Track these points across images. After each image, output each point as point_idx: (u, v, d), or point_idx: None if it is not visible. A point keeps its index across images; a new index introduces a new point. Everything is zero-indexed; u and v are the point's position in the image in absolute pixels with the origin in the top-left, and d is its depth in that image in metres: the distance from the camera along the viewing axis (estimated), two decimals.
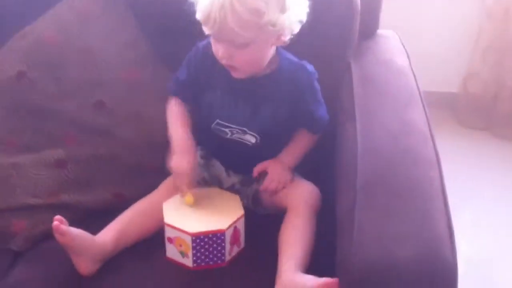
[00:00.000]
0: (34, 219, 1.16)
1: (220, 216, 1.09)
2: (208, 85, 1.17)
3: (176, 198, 1.14)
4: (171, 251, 1.09)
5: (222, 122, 1.17)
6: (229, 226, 1.06)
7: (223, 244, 1.06)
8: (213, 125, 1.18)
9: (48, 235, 1.13)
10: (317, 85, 1.18)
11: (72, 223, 1.12)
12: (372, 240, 0.88)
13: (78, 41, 1.27)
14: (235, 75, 1.11)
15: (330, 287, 0.94)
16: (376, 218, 0.91)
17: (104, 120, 1.25)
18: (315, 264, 1.05)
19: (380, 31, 1.44)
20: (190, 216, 1.09)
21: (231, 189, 1.22)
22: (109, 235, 1.10)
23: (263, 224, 1.17)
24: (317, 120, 1.21)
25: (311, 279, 0.97)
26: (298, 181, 1.19)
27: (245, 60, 1.07)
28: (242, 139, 1.17)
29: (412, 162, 1.00)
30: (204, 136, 1.21)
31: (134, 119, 1.26)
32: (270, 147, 1.19)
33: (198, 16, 1.04)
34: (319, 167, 1.26)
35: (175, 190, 1.14)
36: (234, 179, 1.23)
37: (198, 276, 1.07)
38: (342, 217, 0.98)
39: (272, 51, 1.12)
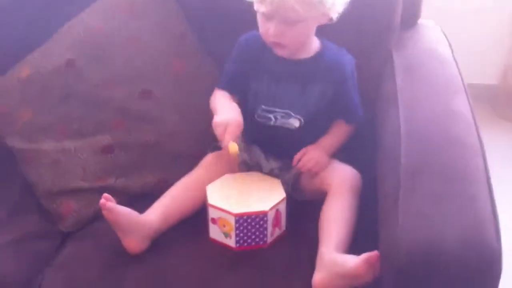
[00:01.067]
0: (82, 202, 1.20)
1: (263, 198, 1.11)
2: (254, 75, 1.21)
3: (219, 181, 1.17)
4: (215, 232, 1.11)
5: (267, 108, 1.20)
6: (271, 208, 1.08)
7: (265, 225, 1.08)
8: (258, 112, 1.21)
9: (96, 217, 1.19)
10: (354, 79, 1.22)
11: (121, 204, 1.17)
12: (417, 224, 0.89)
13: (125, 31, 1.30)
14: (280, 52, 1.14)
15: (372, 262, 0.95)
16: (421, 202, 0.92)
17: (151, 108, 1.27)
18: (354, 249, 1.05)
19: (421, 21, 1.44)
20: (233, 198, 1.11)
21: (270, 174, 1.24)
22: (155, 213, 1.12)
23: (303, 209, 1.18)
24: (354, 108, 1.24)
25: (351, 258, 0.99)
26: (337, 165, 1.20)
27: (294, 36, 1.10)
28: (286, 123, 1.20)
29: (457, 148, 1.01)
30: (247, 125, 1.21)
31: (180, 109, 1.29)
32: (312, 132, 1.22)
33: None
34: (357, 156, 1.26)
35: (216, 163, 1.19)
36: (273, 164, 1.25)
37: (240, 256, 1.09)
38: (386, 201, 0.99)
39: (313, 32, 1.16)
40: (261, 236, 1.09)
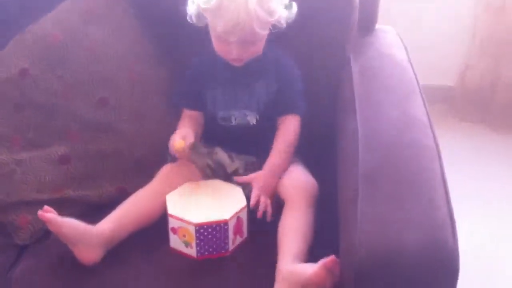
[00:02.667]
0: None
1: (223, 207, 1.10)
2: (209, 86, 1.27)
3: (179, 190, 1.16)
4: (175, 242, 1.10)
5: (226, 112, 1.26)
6: (232, 216, 1.08)
7: (226, 234, 1.08)
8: (218, 117, 1.26)
9: None
10: (296, 70, 1.27)
11: (77, 217, 1.14)
12: (375, 228, 0.89)
13: (81, 39, 1.28)
14: (238, 64, 1.21)
15: (330, 266, 0.95)
16: (379, 207, 0.93)
17: (107, 116, 1.26)
18: (314, 258, 1.05)
19: (378, 26, 1.46)
20: (193, 207, 1.11)
21: (235, 174, 1.25)
22: (106, 221, 1.12)
23: (265, 213, 1.17)
24: (296, 100, 1.27)
25: (309, 265, 0.99)
26: (295, 174, 1.21)
27: (253, 53, 1.19)
28: (244, 121, 1.25)
29: (414, 152, 1.02)
30: (209, 129, 1.28)
31: (136, 116, 1.28)
32: (268, 125, 1.26)
33: (221, 28, 1.13)
34: (319, 162, 1.28)
35: (174, 173, 1.20)
36: (237, 163, 1.26)
37: (201, 266, 1.08)
38: (345, 206, 1.00)
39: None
40: (222, 244, 1.08)
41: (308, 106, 1.27)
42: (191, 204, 1.11)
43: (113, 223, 1.12)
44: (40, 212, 1.06)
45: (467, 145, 2.16)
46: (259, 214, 1.14)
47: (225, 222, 1.07)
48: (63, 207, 1.18)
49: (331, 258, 0.96)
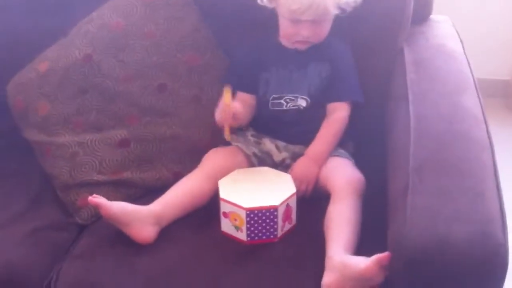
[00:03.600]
0: (99, 195, 1.21)
1: (273, 193, 1.13)
2: (261, 69, 1.30)
3: (230, 176, 1.19)
4: (226, 226, 1.14)
5: (278, 95, 1.28)
6: (282, 203, 1.10)
7: (275, 220, 1.10)
8: (270, 101, 1.28)
9: None
10: (350, 56, 1.29)
11: (133, 199, 1.20)
12: (425, 220, 0.90)
13: (142, 26, 1.33)
14: (303, 46, 1.25)
15: (383, 263, 0.95)
16: (429, 199, 0.93)
17: (165, 102, 1.30)
18: (360, 251, 1.06)
19: (433, 16, 1.45)
20: (245, 192, 1.14)
21: (282, 164, 1.27)
22: (156, 202, 1.16)
23: (314, 202, 1.20)
24: (350, 87, 1.28)
25: (362, 259, 0.99)
26: (342, 166, 1.22)
27: (323, 33, 1.23)
28: (295, 105, 1.27)
29: (465, 145, 1.02)
30: (259, 116, 1.30)
31: (194, 102, 1.31)
32: (318, 109, 1.27)
33: (296, 6, 1.16)
34: (368, 152, 1.28)
35: (218, 160, 1.23)
36: (284, 154, 1.28)
37: (250, 251, 1.11)
38: (395, 198, 1.00)
39: None
40: (272, 230, 1.11)
41: (360, 96, 1.27)
42: (242, 190, 1.15)
43: (162, 202, 1.16)
44: (90, 198, 1.11)
45: None
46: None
47: (275, 208, 1.09)
48: (122, 189, 1.25)
49: (385, 254, 0.95)
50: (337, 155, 1.25)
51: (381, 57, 1.31)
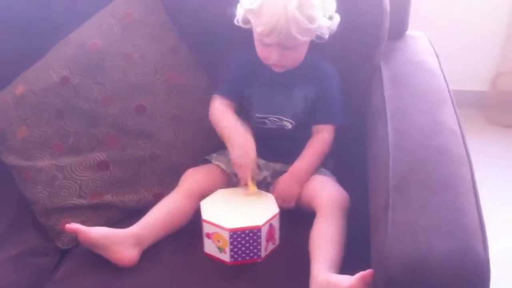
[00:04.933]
0: (79, 219, 1.21)
1: (256, 213, 1.13)
2: (246, 84, 1.29)
3: (213, 196, 1.19)
4: (209, 247, 1.13)
5: (261, 115, 1.28)
6: (265, 223, 1.10)
7: (259, 240, 1.10)
8: (253, 119, 1.28)
9: None
10: (337, 78, 1.28)
11: (115, 222, 1.21)
12: (405, 237, 0.90)
13: (119, 47, 1.32)
14: (278, 70, 1.24)
15: (367, 280, 0.96)
16: (409, 215, 0.94)
17: (145, 123, 1.29)
18: (346, 268, 1.07)
19: (409, 32, 1.47)
20: (227, 213, 1.13)
21: (263, 182, 1.27)
22: (136, 224, 1.16)
23: (297, 222, 1.20)
24: (335, 110, 1.28)
25: (346, 278, 0.99)
26: (326, 184, 1.22)
27: (294, 59, 1.22)
28: (280, 125, 1.27)
29: (444, 160, 1.03)
30: None
31: (174, 122, 1.31)
32: (303, 131, 1.28)
33: (260, 29, 1.15)
34: (349, 169, 1.29)
35: (198, 179, 1.24)
36: (265, 172, 1.28)
37: (234, 271, 1.11)
38: (376, 215, 1.01)
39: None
40: (255, 251, 1.11)
41: (346, 118, 1.28)
42: (224, 210, 1.14)
43: (141, 224, 1.15)
44: (67, 225, 1.11)
45: (500, 150, 2.14)
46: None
47: (258, 228, 1.09)
48: (102, 212, 1.24)
49: (368, 272, 0.95)
50: (320, 174, 1.25)
51: (359, 73, 1.33)
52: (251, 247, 1.10)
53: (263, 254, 1.12)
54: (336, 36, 1.27)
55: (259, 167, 1.28)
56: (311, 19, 1.14)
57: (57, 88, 1.31)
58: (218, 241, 1.11)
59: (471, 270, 0.87)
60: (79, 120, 1.30)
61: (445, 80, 1.26)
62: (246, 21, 1.21)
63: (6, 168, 1.32)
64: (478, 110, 2.28)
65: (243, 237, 1.09)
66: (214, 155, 1.29)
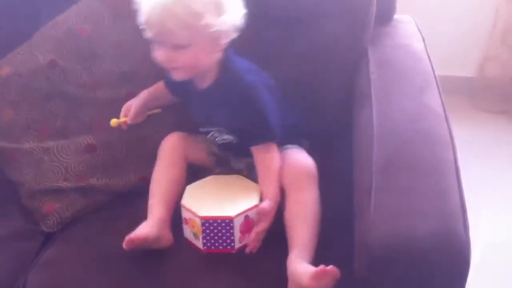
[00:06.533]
0: (64, 202, 1.22)
1: (234, 204, 1.11)
2: (184, 97, 1.26)
3: (199, 182, 1.18)
4: (187, 232, 1.13)
5: (204, 129, 1.24)
6: (238, 214, 1.08)
7: (231, 231, 1.08)
8: (199, 130, 1.25)
9: (77, 218, 1.22)
10: (257, 95, 1.14)
11: (99, 205, 1.22)
12: (388, 219, 0.91)
13: (109, 34, 1.31)
14: (177, 77, 1.14)
15: (320, 276, 0.95)
16: (392, 198, 0.95)
17: None
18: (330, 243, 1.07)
19: (396, 16, 1.47)
20: (207, 200, 1.12)
21: (240, 174, 1.23)
22: (157, 209, 1.15)
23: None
24: (262, 126, 1.16)
25: (308, 272, 0.98)
26: (290, 156, 1.17)
27: (184, 62, 1.10)
28: (224, 139, 1.22)
29: (427, 143, 1.03)
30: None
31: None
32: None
33: (141, 19, 1.09)
34: (335, 153, 1.28)
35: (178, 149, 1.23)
36: (240, 165, 1.24)
37: (209, 259, 1.10)
38: (360, 198, 1.01)
39: (215, 56, 1.13)
40: (228, 241, 1.09)
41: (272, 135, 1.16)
42: (206, 197, 1.13)
43: (157, 205, 1.15)
44: (126, 242, 1.07)
45: (488, 136, 2.15)
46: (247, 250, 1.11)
47: (231, 219, 1.07)
48: (87, 195, 1.24)
49: (320, 268, 0.95)
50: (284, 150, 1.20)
51: (345, 57, 1.32)
52: (224, 237, 1.09)
53: (236, 245, 1.10)
54: (324, 19, 1.28)
55: (232, 160, 1.25)
56: (194, 15, 1.05)
57: (45, 71, 1.30)
58: (193, 227, 1.10)
59: (452, 252, 0.88)
60: (66, 105, 1.30)
61: (431, 64, 1.27)
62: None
63: None
64: (465, 96, 2.28)
65: (216, 226, 1.08)
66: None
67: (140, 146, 1.29)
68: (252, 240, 1.10)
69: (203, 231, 1.08)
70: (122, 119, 1.24)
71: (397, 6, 1.46)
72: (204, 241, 1.09)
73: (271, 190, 1.13)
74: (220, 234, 1.09)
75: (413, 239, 0.88)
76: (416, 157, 1.01)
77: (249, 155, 1.19)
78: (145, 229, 1.09)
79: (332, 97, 1.32)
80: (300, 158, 1.17)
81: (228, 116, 1.17)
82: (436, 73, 1.24)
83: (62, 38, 1.31)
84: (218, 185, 1.18)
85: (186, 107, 1.27)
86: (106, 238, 1.15)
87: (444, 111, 1.12)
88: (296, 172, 1.14)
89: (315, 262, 1.02)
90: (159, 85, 1.29)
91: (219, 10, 1.08)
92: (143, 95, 1.27)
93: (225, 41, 1.12)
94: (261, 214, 1.10)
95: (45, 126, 1.28)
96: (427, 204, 0.92)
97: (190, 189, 1.16)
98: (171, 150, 1.23)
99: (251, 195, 1.14)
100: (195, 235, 1.10)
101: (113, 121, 1.23)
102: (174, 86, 1.27)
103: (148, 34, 1.09)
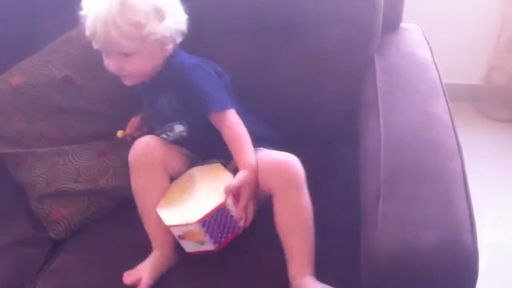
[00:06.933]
0: (74, 208, 1.23)
1: (213, 193, 1.07)
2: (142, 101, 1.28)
3: (165, 197, 1.15)
4: (189, 246, 1.09)
5: (158, 128, 1.23)
6: (225, 199, 1.04)
7: (230, 214, 1.05)
8: (156, 132, 1.24)
9: (85, 225, 1.23)
10: (196, 76, 1.16)
11: (106, 211, 1.24)
12: (395, 228, 0.91)
13: None
14: (127, 83, 1.19)
15: None
16: (399, 206, 0.95)
17: None
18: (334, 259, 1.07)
19: (403, 25, 1.47)
20: (186, 207, 1.10)
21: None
22: (157, 243, 1.14)
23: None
24: (210, 97, 1.15)
25: None
26: (271, 159, 1.10)
27: (134, 68, 1.15)
28: (177, 135, 1.20)
29: (435, 152, 1.03)
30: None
31: None
32: (206, 129, 1.17)
33: (86, 33, 1.12)
34: (341, 161, 1.29)
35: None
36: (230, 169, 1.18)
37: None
38: (367, 207, 1.01)
39: (160, 59, 1.18)
40: (232, 225, 1.06)
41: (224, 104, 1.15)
42: (182, 206, 1.10)
43: (160, 230, 1.13)
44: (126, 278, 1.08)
45: (493, 144, 2.14)
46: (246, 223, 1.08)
47: (222, 206, 1.04)
48: (95, 201, 1.25)
49: None
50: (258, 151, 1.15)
51: (352, 65, 1.32)
52: (227, 224, 1.06)
53: (240, 224, 1.07)
54: (330, 27, 1.28)
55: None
56: (136, 25, 1.09)
57: (61, 85, 1.32)
58: (194, 237, 1.07)
59: (460, 262, 0.87)
60: (80, 117, 1.32)
61: (438, 72, 1.26)
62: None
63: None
64: (471, 104, 2.28)
65: (215, 220, 1.05)
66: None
67: None
68: (241, 216, 1.06)
69: (207, 232, 1.05)
70: (127, 131, 1.27)
71: (403, 15, 1.46)
72: (213, 240, 1.06)
73: (243, 158, 1.09)
74: (222, 224, 1.05)
75: (420, 248, 0.88)
76: (423, 166, 1.01)
77: (216, 156, 1.19)
78: (147, 270, 1.09)
79: (340, 105, 1.33)
80: (283, 160, 1.09)
81: (166, 103, 1.18)
82: (443, 81, 1.25)
83: (77, 54, 1.33)
84: (182, 188, 1.15)
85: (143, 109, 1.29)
86: (114, 245, 1.16)
87: (451, 120, 1.11)
88: (283, 178, 1.07)
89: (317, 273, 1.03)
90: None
91: (160, 17, 1.12)
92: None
93: (170, 45, 1.16)
94: (235, 188, 1.05)
95: (58, 135, 1.31)
96: (435, 213, 0.92)
97: (162, 209, 1.12)
98: (149, 158, 1.17)
99: (220, 175, 1.11)
100: (200, 242, 1.07)
101: (120, 133, 1.26)
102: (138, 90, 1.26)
103: (95, 46, 1.13)
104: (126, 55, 1.12)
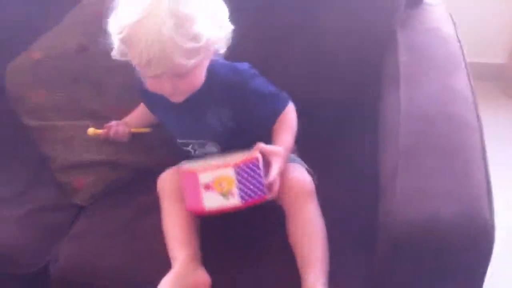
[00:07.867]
0: (95, 177, 1.25)
1: (242, 154, 1.04)
2: (158, 111, 1.20)
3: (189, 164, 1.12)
4: (211, 200, 1.01)
5: (182, 141, 1.17)
6: (258, 154, 1.02)
7: (259, 172, 1.01)
8: (177, 143, 1.19)
9: (107, 192, 1.25)
10: (255, 81, 1.10)
11: (128, 180, 1.26)
12: (413, 201, 0.92)
13: None
14: (176, 99, 1.05)
15: None
16: (417, 179, 0.95)
17: None
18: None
19: (427, 0, 1.45)
20: (214, 163, 1.06)
21: None
22: (180, 252, 1.06)
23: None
24: (271, 101, 1.11)
25: None
26: (286, 175, 1.07)
27: (189, 84, 1.02)
28: (205, 151, 1.16)
29: (455, 127, 1.03)
30: (178, 150, 1.21)
31: None
32: (236, 149, 1.10)
33: (136, 61, 0.97)
34: (361, 132, 1.29)
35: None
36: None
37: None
38: (385, 178, 1.02)
39: (207, 63, 1.05)
40: (258, 185, 1.01)
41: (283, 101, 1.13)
42: (210, 162, 1.07)
43: (178, 248, 1.06)
44: None
45: None
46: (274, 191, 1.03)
47: (257, 158, 1.01)
48: (118, 170, 1.27)
49: None
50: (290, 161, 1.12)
51: (374, 39, 1.32)
52: (255, 182, 1.01)
53: (265, 190, 1.02)
54: (351, 2, 1.28)
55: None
56: (195, 37, 0.94)
57: (74, 54, 1.34)
58: (221, 187, 1.00)
59: (477, 235, 0.88)
60: (94, 87, 1.33)
61: (461, 48, 1.25)
62: (124, 52, 1.00)
63: (24, 129, 1.35)
64: (495, 83, 2.25)
65: (247, 172, 1.00)
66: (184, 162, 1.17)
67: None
68: (270, 183, 1.02)
69: (238, 181, 0.99)
70: (100, 130, 1.24)
71: None
72: (242, 193, 1.00)
73: (283, 138, 1.08)
74: (251, 179, 1.00)
75: (438, 221, 0.89)
76: (443, 139, 1.01)
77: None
78: (171, 280, 1.00)
79: (361, 78, 1.32)
80: (298, 176, 1.08)
81: (216, 119, 1.10)
82: (466, 58, 1.23)
83: (89, 21, 1.33)
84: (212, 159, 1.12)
85: (164, 123, 1.21)
86: (131, 211, 1.18)
87: (473, 95, 1.11)
88: (295, 194, 1.05)
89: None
90: (142, 104, 1.26)
91: (213, 19, 0.99)
92: (130, 115, 1.28)
93: (224, 49, 1.04)
94: (272, 154, 1.03)
95: (73, 108, 1.32)
96: (453, 186, 0.92)
97: (188, 165, 1.09)
98: (171, 188, 1.11)
99: (252, 151, 1.06)
100: (225, 195, 1.00)
101: (90, 130, 1.23)
102: (149, 102, 1.20)
103: (150, 73, 0.97)
104: (183, 74, 0.98)
